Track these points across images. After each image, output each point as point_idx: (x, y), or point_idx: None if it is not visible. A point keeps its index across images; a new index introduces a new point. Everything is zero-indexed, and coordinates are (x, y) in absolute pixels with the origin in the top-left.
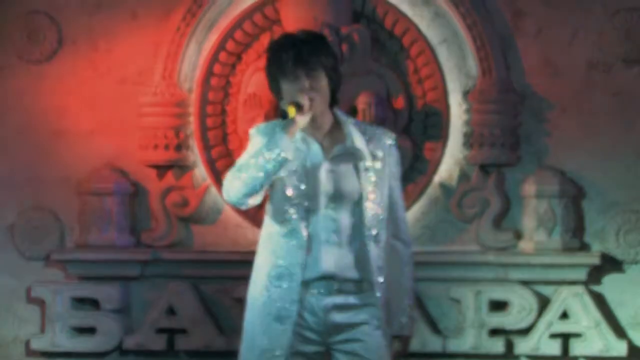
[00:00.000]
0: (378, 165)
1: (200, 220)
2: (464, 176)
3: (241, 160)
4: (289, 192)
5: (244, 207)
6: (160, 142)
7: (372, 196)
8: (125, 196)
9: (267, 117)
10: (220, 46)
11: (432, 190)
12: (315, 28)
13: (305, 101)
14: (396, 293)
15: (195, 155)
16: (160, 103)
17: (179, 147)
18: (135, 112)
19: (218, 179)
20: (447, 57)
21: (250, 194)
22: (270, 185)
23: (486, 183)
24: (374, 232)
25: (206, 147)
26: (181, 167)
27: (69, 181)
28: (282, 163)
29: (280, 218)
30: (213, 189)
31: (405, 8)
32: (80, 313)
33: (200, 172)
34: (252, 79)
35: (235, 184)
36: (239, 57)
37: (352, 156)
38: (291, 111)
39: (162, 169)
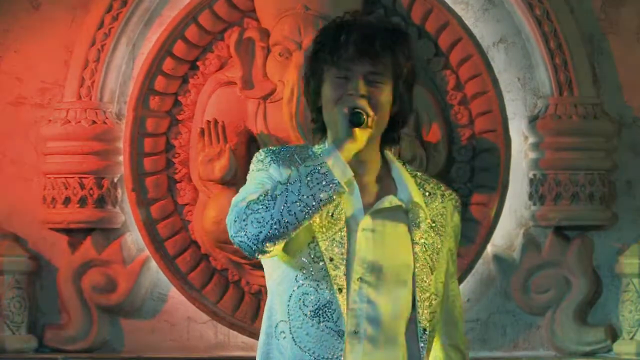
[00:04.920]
0: (436, 236)
1: (135, 312)
2: (531, 245)
3: (251, 189)
4: (325, 253)
5: (259, 256)
6: (73, 194)
7: (426, 280)
8: (20, 276)
9: (236, 155)
10: (164, 50)
11: (484, 266)
12: (306, 21)
13: (368, 109)
14: None
15: (126, 213)
16: (73, 135)
17: (101, 202)
18: (37, 149)
19: (161, 248)
20: (506, 65)
21: (277, 237)
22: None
23: (565, 255)
24: (427, 330)
25: (143, 201)
26: (105, 232)
27: None
28: (331, 199)
29: (306, 288)
30: (153, 265)
31: None
32: None
33: (134, 238)
34: (213, 98)
35: (258, 217)
36: (193, 66)
37: (405, 216)
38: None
39: (76, 234)
